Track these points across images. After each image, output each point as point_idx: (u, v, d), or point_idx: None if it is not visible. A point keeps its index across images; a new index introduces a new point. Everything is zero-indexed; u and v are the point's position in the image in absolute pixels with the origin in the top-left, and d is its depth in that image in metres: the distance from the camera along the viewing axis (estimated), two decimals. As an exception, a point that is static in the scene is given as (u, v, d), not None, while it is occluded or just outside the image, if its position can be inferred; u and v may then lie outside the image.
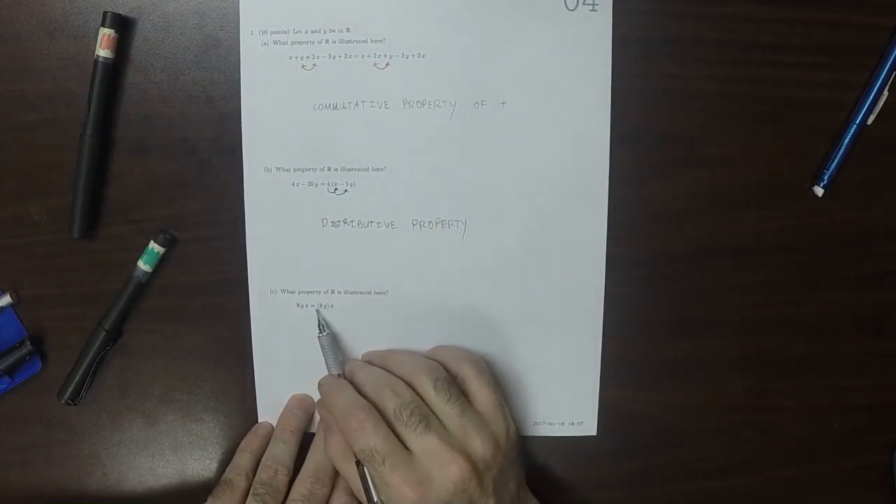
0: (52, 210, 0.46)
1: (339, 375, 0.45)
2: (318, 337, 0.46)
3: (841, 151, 0.45)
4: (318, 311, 0.46)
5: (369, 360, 0.46)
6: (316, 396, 0.47)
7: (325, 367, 0.46)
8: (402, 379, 0.43)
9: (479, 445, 0.41)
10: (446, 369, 0.43)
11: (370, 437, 0.40)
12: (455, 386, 0.42)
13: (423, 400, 0.42)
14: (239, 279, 0.46)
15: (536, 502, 0.45)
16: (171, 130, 0.45)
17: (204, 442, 0.49)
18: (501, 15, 0.44)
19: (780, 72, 0.45)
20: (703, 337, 0.48)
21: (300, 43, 0.44)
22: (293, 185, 0.45)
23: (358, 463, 0.41)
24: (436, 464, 0.40)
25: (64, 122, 0.45)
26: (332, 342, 0.46)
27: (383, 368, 0.44)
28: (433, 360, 0.44)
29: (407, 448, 0.40)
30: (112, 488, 0.49)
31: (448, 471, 0.39)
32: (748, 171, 0.46)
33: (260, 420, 0.48)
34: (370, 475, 0.41)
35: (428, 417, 0.41)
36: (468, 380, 0.43)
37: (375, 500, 0.41)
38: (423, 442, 0.40)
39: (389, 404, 0.41)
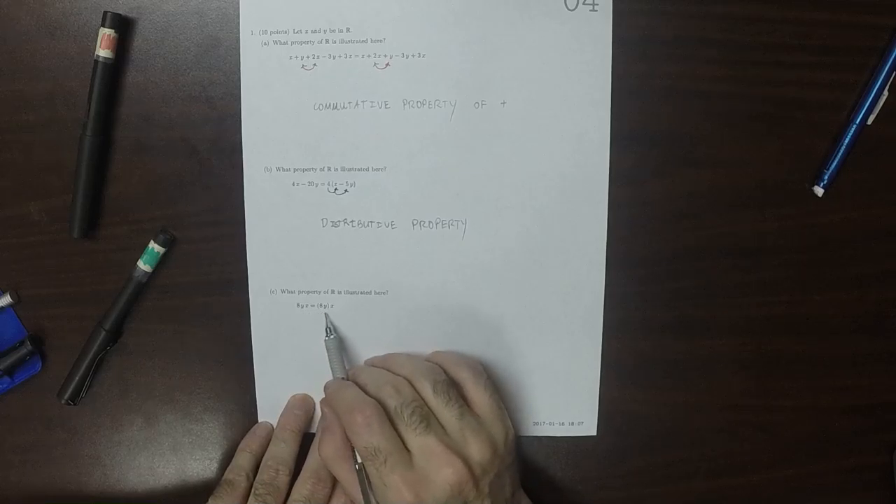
0: (52, 210, 0.46)
1: (343, 379, 0.45)
2: (325, 340, 0.46)
3: (841, 151, 0.45)
4: (326, 314, 0.46)
5: (370, 364, 0.46)
6: (316, 396, 0.47)
7: (326, 366, 0.46)
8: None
9: (476, 450, 0.41)
10: (445, 373, 0.43)
11: (374, 435, 0.40)
12: (454, 389, 0.42)
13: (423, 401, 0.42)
14: (239, 279, 0.46)
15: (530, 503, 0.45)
16: (171, 130, 0.45)
17: (204, 442, 0.49)
18: (501, 15, 0.44)
19: (780, 72, 0.45)
20: (703, 337, 0.48)
21: (300, 43, 0.44)
22: (293, 185, 0.46)
23: (357, 464, 0.41)
24: (433, 465, 0.40)
25: (64, 122, 0.45)
26: (338, 346, 0.46)
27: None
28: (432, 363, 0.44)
29: (406, 447, 0.40)
30: (112, 488, 0.49)
31: (445, 473, 0.39)
32: (748, 171, 0.46)
33: (260, 420, 0.48)
34: (370, 474, 0.41)
35: (428, 418, 0.41)
36: (466, 384, 0.43)
37: (373, 501, 0.41)
38: (422, 442, 0.40)
39: (391, 402, 0.41)
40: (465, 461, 0.40)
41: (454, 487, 0.39)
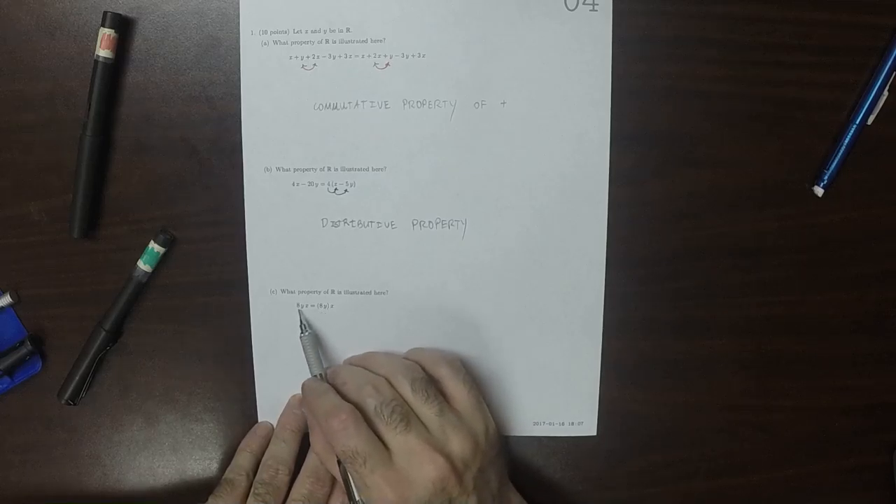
0: (52, 210, 0.46)
1: (320, 375, 0.45)
2: (301, 337, 0.46)
3: (841, 151, 0.45)
4: (300, 310, 0.46)
5: (349, 363, 0.47)
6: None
7: (327, 365, 0.46)
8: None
9: (457, 445, 0.41)
10: (424, 370, 0.43)
11: (351, 438, 0.40)
12: (433, 386, 0.43)
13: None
14: (239, 279, 0.46)
15: (520, 498, 0.45)
16: (171, 130, 0.45)
17: (204, 442, 0.49)
18: (501, 15, 0.44)
19: (780, 72, 0.45)
20: (703, 337, 0.48)
21: (300, 43, 0.44)
22: (293, 185, 0.46)
23: (340, 463, 0.42)
24: (414, 463, 0.40)
25: (64, 122, 0.45)
26: (314, 342, 0.46)
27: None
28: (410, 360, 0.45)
29: (386, 447, 0.41)
30: (112, 488, 0.49)
31: (426, 470, 0.40)
32: (748, 171, 0.46)
33: (260, 420, 0.48)
34: (351, 475, 0.41)
35: (409, 416, 0.41)
36: (444, 379, 0.43)
37: (357, 499, 0.41)
38: (402, 441, 0.40)
39: (371, 401, 0.41)
40: (447, 457, 0.40)
41: (436, 484, 0.40)
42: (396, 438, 0.40)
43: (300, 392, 0.47)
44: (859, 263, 0.47)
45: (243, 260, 0.46)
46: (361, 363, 0.45)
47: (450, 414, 0.42)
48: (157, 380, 0.48)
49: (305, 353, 0.45)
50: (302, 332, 0.46)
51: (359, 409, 0.41)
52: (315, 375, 0.45)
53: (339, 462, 0.42)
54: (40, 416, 0.48)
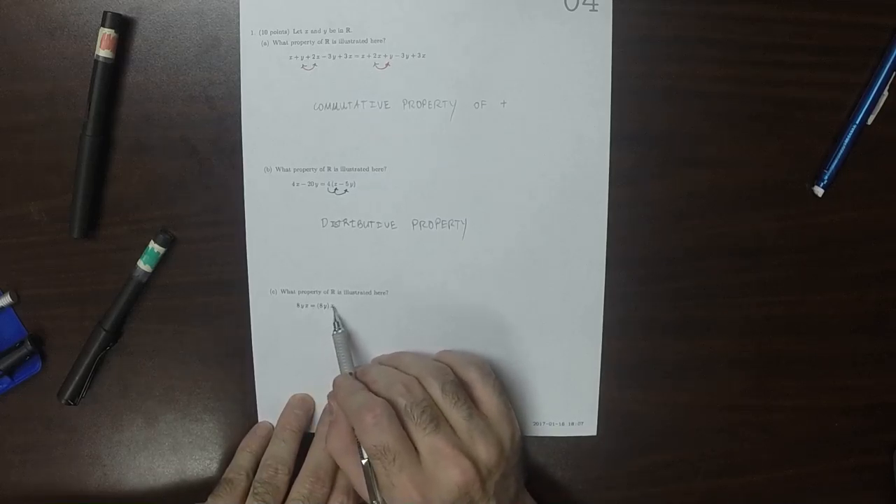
0: (52, 210, 0.46)
1: (351, 374, 0.45)
2: (333, 335, 0.46)
3: (841, 151, 0.45)
4: (334, 307, 0.46)
5: (378, 362, 0.47)
6: (316, 396, 0.47)
7: (326, 366, 0.46)
8: None
9: (483, 451, 0.41)
10: (453, 373, 0.43)
11: (384, 434, 0.40)
12: (462, 390, 0.42)
13: None
14: (239, 279, 0.46)
15: (533, 501, 0.45)
16: (171, 130, 0.45)
17: (204, 442, 0.49)
18: (501, 15, 0.44)
19: (780, 72, 0.45)
20: (703, 337, 0.48)
21: (300, 43, 0.44)
22: (293, 185, 0.46)
23: (364, 460, 0.41)
24: (441, 466, 0.40)
25: (64, 122, 0.45)
26: (346, 340, 0.46)
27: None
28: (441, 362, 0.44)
29: (414, 447, 0.41)
30: (112, 488, 0.49)
31: (452, 474, 0.40)
32: (748, 171, 0.46)
33: (260, 420, 0.48)
34: (377, 473, 0.41)
35: (438, 418, 0.41)
36: (474, 384, 0.43)
37: (378, 499, 0.41)
38: (431, 442, 0.40)
39: (401, 400, 0.41)
40: (473, 462, 0.40)
41: (461, 488, 0.40)
42: (425, 439, 0.40)
43: (304, 392, 0.48)
44: (859, 263, 0.47)
45: (243, 260, 0.46)
46: (390, 363, 0.45)
47: (477, 419, 0.42)
48: (157, 380, 0.48)
49: (337, 350, 0.45)
50: (335, 330, 0.46)
51: None
52: (345, 374, 0.45)
53: (363, 459, 0.42)
54: (40, 416, 0.48)
